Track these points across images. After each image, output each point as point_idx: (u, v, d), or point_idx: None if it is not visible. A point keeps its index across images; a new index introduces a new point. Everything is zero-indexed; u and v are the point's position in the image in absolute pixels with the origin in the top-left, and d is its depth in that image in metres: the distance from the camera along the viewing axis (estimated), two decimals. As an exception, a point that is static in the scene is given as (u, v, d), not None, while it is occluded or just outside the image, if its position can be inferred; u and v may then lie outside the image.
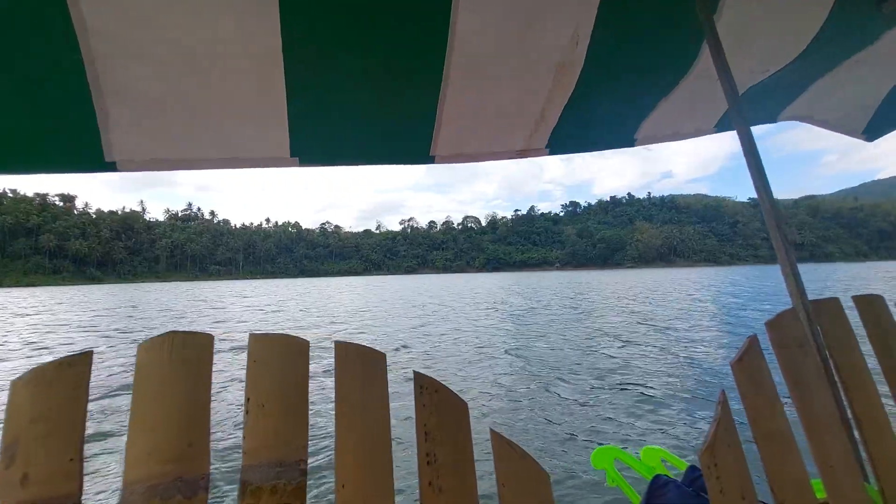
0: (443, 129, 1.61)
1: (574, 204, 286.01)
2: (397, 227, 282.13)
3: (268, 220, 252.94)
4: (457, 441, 0.66)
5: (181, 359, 0.58)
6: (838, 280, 36.37)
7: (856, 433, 0.79)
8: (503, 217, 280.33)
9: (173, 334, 0.58)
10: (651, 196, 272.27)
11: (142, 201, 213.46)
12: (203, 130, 1.43)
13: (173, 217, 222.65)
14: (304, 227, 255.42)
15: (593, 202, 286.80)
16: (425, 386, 0.65)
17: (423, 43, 1.32)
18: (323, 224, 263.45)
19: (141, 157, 1.42)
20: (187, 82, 1.26)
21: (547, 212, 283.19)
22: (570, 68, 1.47)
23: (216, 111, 1.37)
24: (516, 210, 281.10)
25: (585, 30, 1.35)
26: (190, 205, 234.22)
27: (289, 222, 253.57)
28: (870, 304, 0.87)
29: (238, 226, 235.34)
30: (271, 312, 20.74)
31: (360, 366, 0.66)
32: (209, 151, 1.50)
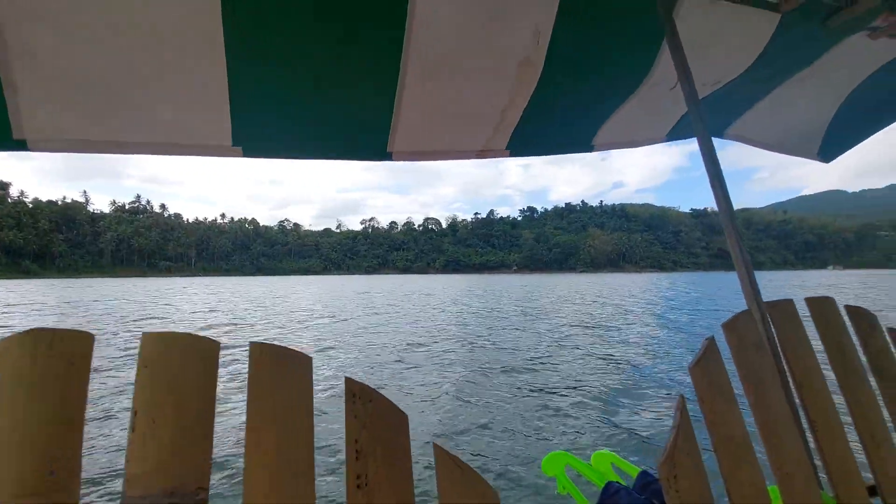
0: (401, 126, 1.55)
1: (531, 209, 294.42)
2: (358, 227, 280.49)
3: (223, 216, 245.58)
4: (393, 458, 0.56)
5: (47, 364, 0.44)
6: (767, 286, 40.07)
7: (810, 438, 0.78)
8: (463, 220, 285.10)
9: (38, 332, 0.45)
10: (603, 204, 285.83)
11: (85, 191, 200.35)
12: (133, 111, 1.28)
13: (120, 209, 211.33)
14: (261, 224, 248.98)
15: (550, 208, 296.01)
16: (358, 394, 0.55)
17: (379, 33, 1.24)
18: (282, 221, 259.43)
19: (58, 137, 1.27)
20: (113, 56, 1.11)
21: (506, 216, 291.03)
22: (531, 66, 1.45)
23: (148, 91, 1.23)
24: (476, 213, 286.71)
25: (546, 26, 1.32)
26: (138, 197, 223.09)
27: (245, 218, 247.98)
28: (822, 306, 0.87)
29: (191, 220, 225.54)
30: (206, 312, 20.02)
31: (279, 370, 0.55)
32: (141, 135, 1.36)
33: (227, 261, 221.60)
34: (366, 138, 1.63)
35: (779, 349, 0.82)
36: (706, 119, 1.50)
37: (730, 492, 0.65)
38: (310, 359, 0.57)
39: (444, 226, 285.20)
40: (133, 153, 1.39)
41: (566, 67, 1.51)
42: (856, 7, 1.36)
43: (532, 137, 1.85)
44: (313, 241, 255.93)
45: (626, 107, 1.81)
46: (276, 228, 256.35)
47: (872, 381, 0.87)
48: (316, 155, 1.63)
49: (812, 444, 0.77)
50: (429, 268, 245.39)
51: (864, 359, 0.88)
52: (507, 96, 1.56)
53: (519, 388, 6.75)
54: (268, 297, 29.87)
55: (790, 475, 0.71)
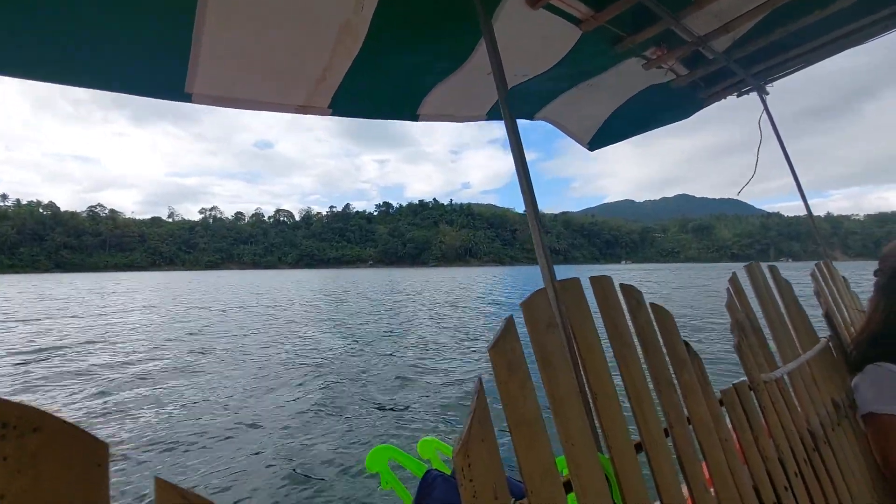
0: (201, 65, 1.42)
1: (387, 204, 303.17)
2: (196, 217, 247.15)
3: (4, 197, 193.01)
4: None
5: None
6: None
7: (592, 406, 0.86)
8: (318, 213, 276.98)
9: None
10: (453, 203, 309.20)
11: None
12: None
13: None
14: (64, 210, 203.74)
15: (405, 204, 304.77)
16: (13, 423, 0.33)
17: None
18: (93, 207, 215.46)
19: None
20: None
21: (362, 210, 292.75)
22: (353, 31, 1.46)
23: None
24: (331, 207, 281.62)
25: None
26: None
27: (39, 202, 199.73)
28: (602, 284, 0.98)
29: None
30: None
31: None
32: None
33: (12, 254, 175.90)
34: (156, 72, 1.43)
35: (569, 325, 0.89)
36: (512, 108, 1.71)
37: (522, 470, 0.69)
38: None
39: (297, 218, 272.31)
40: None
41: (390, 39, 1.56)
42: (635, 37, 1.79)
43: (356, 99, 1.89)
44: (137, 231, 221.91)
45: (448, 83, 1.94)
46: (84, 215, 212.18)
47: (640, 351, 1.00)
48: (88, 81, 1.33)
49: (593, 412, 0.86)
50: (280, 263, 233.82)
51: (633, 331, 1.01)
52: (327, 57, 1.56)
53: (343, 383, 6.76)
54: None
55: (573, 444, 0.77)
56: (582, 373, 0.88)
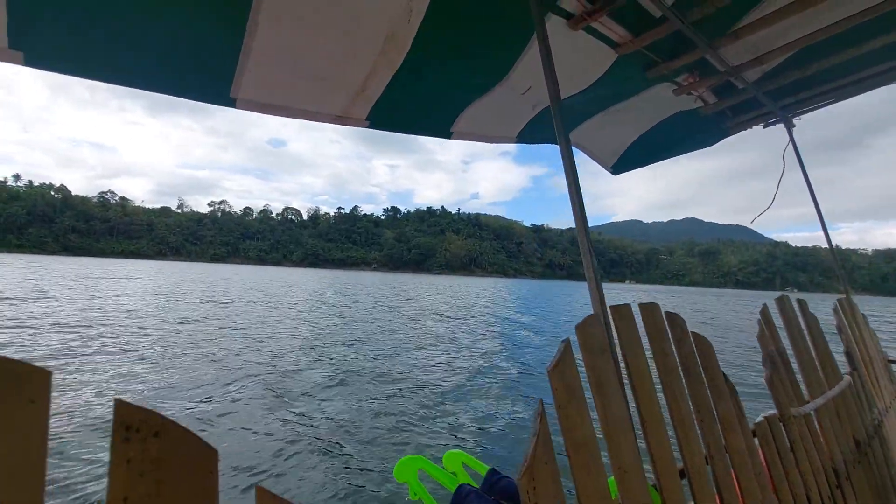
0: (248, 72, 1.42)
1: (395, 209, 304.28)
2: (205, 209, 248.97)
3: (17, 177, 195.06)
4: None
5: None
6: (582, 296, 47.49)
7: (641, 434, 0.84)
8: (325, 213, 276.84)
9: None
10: (460, 212, 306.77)
11: None
12: None
13: None
14: (75, 194, 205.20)
15: (413, 210, 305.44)
16: (136, 426, 0.34)
17: None
18: (104, 193, 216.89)
19: None
20: None
21: (370, 213, 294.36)
22: (398, 43, 1.46)
23: None
24: (339, 208, 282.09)
25: (421, 6, 1.34)
26: None
27: (51, 184, 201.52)
28: (651, 312, 0.97)
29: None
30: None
31: None
32: None
33: (20, 234, 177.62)
34: (204, 76, 1.44)
35: (619, 351, 0.88)
36: (539, 132, 1.95)
37: (579, 493, 0.68)
38: (48, 373, 0.34)
39: (304, 217, 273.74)
40: None
41: (433, 51, 1.55)
42: (670, 64, 1.82)
43: (393, 113, 1.89)
44: (146, 219, 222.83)
45: (483, 101, 1.96)
46: (95, 200, 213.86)
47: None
48: (138, 82, 1.35)
49: (641, 439, 0.84)
50: (284, 260, 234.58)
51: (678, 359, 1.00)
52: (370, 68, 1.55)
53: (370, 393, 6.63)
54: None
55: (625, 472, 0.76)
56: (633, 398, 0.87)
